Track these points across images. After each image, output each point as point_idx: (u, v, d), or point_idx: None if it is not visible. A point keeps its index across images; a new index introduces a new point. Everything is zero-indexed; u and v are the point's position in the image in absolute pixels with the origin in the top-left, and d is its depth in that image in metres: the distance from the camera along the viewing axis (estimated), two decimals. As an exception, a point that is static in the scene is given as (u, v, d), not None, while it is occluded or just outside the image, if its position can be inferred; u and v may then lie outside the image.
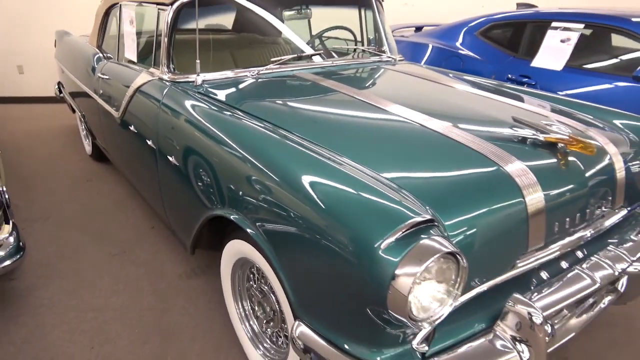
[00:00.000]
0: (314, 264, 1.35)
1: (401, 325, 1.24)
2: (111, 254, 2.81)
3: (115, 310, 2.33)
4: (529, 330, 1.34)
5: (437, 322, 1.25)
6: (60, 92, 4.67)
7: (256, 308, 1.92)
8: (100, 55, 3.31)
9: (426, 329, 1.28)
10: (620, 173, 1.78)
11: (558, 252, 1.56)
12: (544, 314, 1.39)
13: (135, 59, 2.75)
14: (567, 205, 1.56)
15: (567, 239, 1.60)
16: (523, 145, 1.64)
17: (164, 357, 2.04)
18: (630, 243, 1.78)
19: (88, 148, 4.26)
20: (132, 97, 2.54)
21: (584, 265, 1.60)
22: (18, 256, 2.26)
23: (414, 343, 1.29)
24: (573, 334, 1.70)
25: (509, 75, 3.69)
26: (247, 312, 1.98)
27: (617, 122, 2.12)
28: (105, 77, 3.00)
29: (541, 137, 1.62)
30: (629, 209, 1.89)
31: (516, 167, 1.50)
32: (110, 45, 3.30)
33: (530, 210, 1.45)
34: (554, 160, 1.60)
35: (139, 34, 2.79)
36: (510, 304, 1.38)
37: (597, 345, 2.19)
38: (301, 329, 1.41)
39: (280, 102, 2.10)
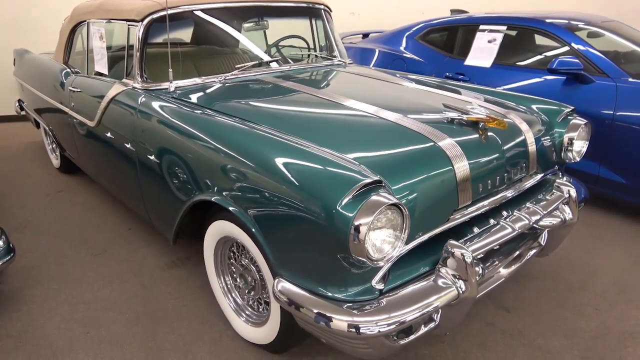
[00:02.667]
0: (289, 228, 1.66)
1: (362, 267, 1.56)
2: (93, 254, 2.99)
3: (104, 301, 2.53)
4: (463, 269, 1.69)
5: (390, 262, 1.58)
6: (22, 109, 4.75)
7: (238, 280, 2.19)
8: (68, 70, 3.49)
9: (383, 268, 1.61)
10: (532, 146, 2.19)
11: (485, 208, 1.94)
12: (475, 254, 1.76)
13: (106, 72, 2.97)
14: (488, 171, 1.94)
15: (492, 198, 1.98)
16: (452, 125, 2.02)
17: (156, 333, 2.27)
18: (544, 202, 2.18)
19: (55, 161, 4.37)
20: (107, 107, 2.77)
21: (506, 219, 1.98)
22: (8, 257, 2.42)
23: (373, 282, 1.62)
24: (503, 279, 2.10)
25: (447, 74, 4.14)
26: (229, 286, 2.26)
27: (533, 106, 2.55)
28: (76, 90, 3.19)
29: (465, 117, 2.00)
30: (542, 174, 2.31)
31: (446, 142, 1.87)
32: (78, 61, 3.49)
33: (458, 176, 1.81)
34: (476, 135, 1.98)
35: (108, 48, 3.02)
36: (447, 248, 1.73)
37: (530, 294, 2.60)
38: (282, 284, 1.71)
39: (247, 101, 2.39)
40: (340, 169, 1.61)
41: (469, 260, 1.69)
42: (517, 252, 2.31)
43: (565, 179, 2.56)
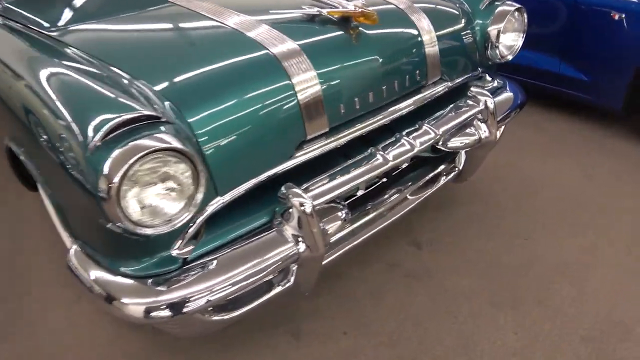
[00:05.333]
0: (59, 182, 1.23)
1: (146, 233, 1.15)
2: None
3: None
4: (303, 223, 1.29)
5: (181, 225, 1.15)
6: None
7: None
8: None
9: (187, 231, 1.21)
10: (432, 46, 1.66)
11: (356, 133, 1.48)
12: (320, 201, 1.33)
13: None
14: (355, 85, 1.45)
15: (369, 120, 1.51)
16: (310, 25, 1.48)
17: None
18: (445, 118, 1.70)
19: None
20: None
21: (383, 147, 1.52)
22: None
23: (174, 249, 1.22)
24: (404, 212, 1.74)
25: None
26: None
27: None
28: None
29: (325, 12, 1.46)
30: (454, 81, 1.80)
31: (285, 49, 1.35)
32: None
33: (302, 94, 1.32)
34: (339, 36, 1.46)
35: None
36: (283, 195, 1.30)
37: (452, 225, 2.21)
38: (70, 253, 1.32)
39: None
40: (105, 101, 1.13)
41: (308, 210, 1.27)
42: (427, 178, 1.90)
43: (495, 83, 2.06)
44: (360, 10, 1.44)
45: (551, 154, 2.78)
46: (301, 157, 1.37)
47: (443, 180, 1.95)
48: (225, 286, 1.22)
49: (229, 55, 1.34)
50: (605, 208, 2.31)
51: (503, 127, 2.07)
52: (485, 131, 1.77)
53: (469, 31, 1.86)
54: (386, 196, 1.78)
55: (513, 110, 2.02)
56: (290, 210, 1.30)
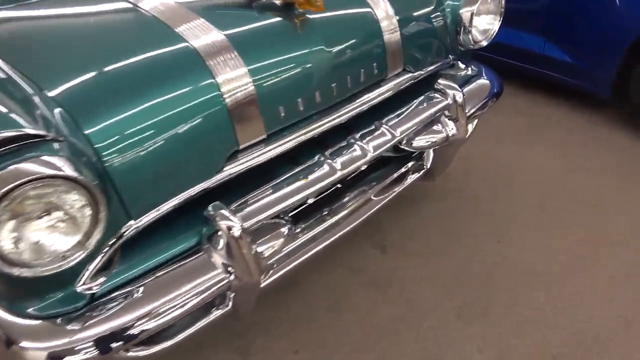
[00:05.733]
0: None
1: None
2: None
3: None
4: (232, 247, 1.12)
5: (76, 263, 0.98)
6: None
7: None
8: None
9: (89, 269, 1.04)
10: (393, 34, 1.46)
11: (301, 138, 1.28)
12: (251, 222, 1.15)
13: None
14: (296, 82, 1.24)
15: (317, 123, 1.32)
16: (242, 11, 1.27)
17: None
18: (405, 115, 1.51)
19: None
20: None
21: (329, 152, 1.34)
22: None
23: (77, 285, 1.05)
24: (372, 210, 1.58)
25: None
26: None
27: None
28: None
29: (262, -3, 1.25)
30: (419, 71, 1.60)
31: (210, 41, 1.14)
32: None
33: (230, 97, 1.12)
34: (278, 25, 1.26)
35: None
36: (209, 215, 1.13)
37: (422, 225, 2.05)
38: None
39: None
40: None
41: (237, 234, 1.10)
42: (392, 177, 1.73)
43: (469, 71, 1.86)
44: (305, -4, 1.23)
45: (531, 142, 2.61)
46: (234, 169, 1.18)
47: (410, 179, 1.78)
48: (137, 324, 1.05)
49: (141, 48, 1.12)
50: (588, 205, 2.16)
51: (476, 120, 1.89)
52: (452, 128, 1.60)
53: (438, 14, 1.65)
54: (346, 199, 1.61)
55: (488, 100, 1.84)
56: (218, 233, 1.13)
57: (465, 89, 1.73)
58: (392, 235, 1.99)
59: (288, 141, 1.26)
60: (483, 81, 1.88)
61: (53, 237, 0.94)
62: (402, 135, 1.44)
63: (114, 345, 1.04)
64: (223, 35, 1.16)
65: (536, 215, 2.09)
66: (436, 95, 1.58)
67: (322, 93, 1.30)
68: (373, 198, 1.66)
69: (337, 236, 1.52)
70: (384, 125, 1.43)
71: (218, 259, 1.14)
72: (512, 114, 2.85)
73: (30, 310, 1.03)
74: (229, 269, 1.13)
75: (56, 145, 0.92)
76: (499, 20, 1.77)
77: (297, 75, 1.24)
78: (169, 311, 1.09)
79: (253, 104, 1.17)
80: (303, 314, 1.69)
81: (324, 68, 1.29)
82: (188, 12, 1.21)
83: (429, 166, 1.79)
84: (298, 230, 1.40)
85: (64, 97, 1.01)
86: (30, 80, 1.02)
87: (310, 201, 1.50)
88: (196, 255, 1.15)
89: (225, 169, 1.17)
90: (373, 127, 1.44)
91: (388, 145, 1.40)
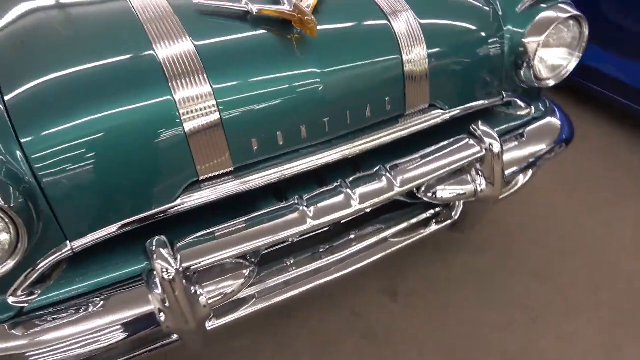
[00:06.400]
0: None
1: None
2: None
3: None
4: (167, 291, 1.01)
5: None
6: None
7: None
8: None
9: (18, 283, 1.00)
10: (417, 60, 1.21)
11: (269, 180, 1.11)
12: (206, 261, 1.03)
13: None
14: (276, 111, 1.07)
15: (294, 162, 1.13)
16: (228, 21, 1.11)
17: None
18: (433, 156, 1.27)
19: None
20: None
21: (309, 196, 1.14)
22: None
23: (7, 295, 1.02)
24: (382, 254, 1.38)
25: None
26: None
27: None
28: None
29: (254, 8, 1.08)
30: (445, 114, 1.33)
31: (177, 51, 1.01)
32: None
33: (189, 120, 0.99)
34: (265, 40, 1.09)
35: None
36: (149, 251, 1.03)
37: (443, 275, 1.78)
38: None
39: None
40: None
41: (169, 278, 0.99)
42: (412, 222, 1.50)
43: (530, 111, 1.54)
44: (297, 13, 1.05)
45: (610, 201, 2.11)
46: (190, 201, 1.07)
47: (433, 227, 1.53)
48: (55, 347, 1.00)
49: (104, 48, 1.03)
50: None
51: (533, 170, 1.57)
52: (482, 184, 1.32)
53: (493, 40, 1.36)
54: (352, 237, 1.43)
55: (553, 148, 1.51)
56: (154, 272, 1.02)
57: (525, 131, 1.46)
58: (407, 282, 1.76)
59: (261, 178, 1.11)
60: (548, 125, 1.55)
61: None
62: (404, 187, 1.20)
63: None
64: (193, 46, 1.03)
65: (588, 303, 1.69)
66: (469, 140, 1.31)
67: (309, 127, 1.12)
68: (388, 240, 1.45)
69: (331, 278, 1.35)
70: (387, 174, 1.20)
71: (153, 297, 1.04)
72: (595, 154, 2.36)
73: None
74: (161, 312, 1.03)
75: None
76: (578, 57, 1.42)
77: (279, 103, 1.07)
78: (96, 339, 1.03)
79: (217, 130, 1.03)
80: (284, 352, 1.56)
81: (315, 98, 1.10)
82: (170, 13, 1.08)
83: (456, 217, 1.52)
84: (267, 273, 1.26)
85: (7, 98, 0.95)
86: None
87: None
88: (136, 286, 1.07)
89: (181, 199, 1.06)
90: (375, 170, 1.22)
91: (383, 197, 1.17)
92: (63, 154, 0.94)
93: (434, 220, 1.53)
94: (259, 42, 1.10)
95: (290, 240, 1.24)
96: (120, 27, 1.08)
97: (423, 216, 1.52)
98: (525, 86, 1.46)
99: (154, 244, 1.01)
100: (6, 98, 0.95)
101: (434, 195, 1.34)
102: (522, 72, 1.41)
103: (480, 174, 1.32)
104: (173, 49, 1.02)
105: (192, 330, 1.07)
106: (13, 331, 1.01)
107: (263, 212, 1.11)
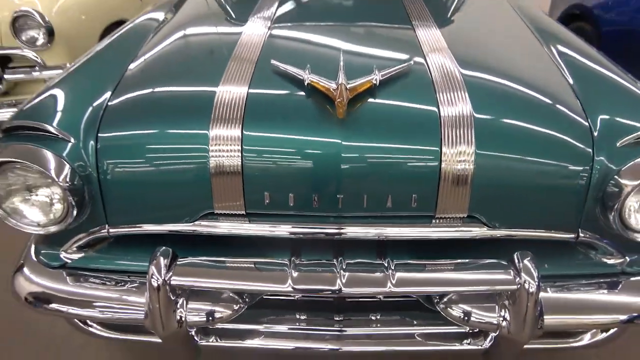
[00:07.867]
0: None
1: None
2: None
3: None
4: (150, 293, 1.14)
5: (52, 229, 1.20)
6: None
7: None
8: None
9: (73, 239, 1.27)
10: (460, 161, 1.11)
11: (279, 234, 1.19)
12: (181, 281, 1.13)
13: None
14: (296, 173, 1.15)
15: (303, 226, 1.18)
16: (288, 84, 1.23)
17: None
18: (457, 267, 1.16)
19: None
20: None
21: (298, 261, 1.16)
22: None
23: (62, 250, 1.30)
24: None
25: None
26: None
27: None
28: None
29: (307, 79, 1.17)
30: (485, 226, 1.18)
31: (230, 89, 1.20)
32: None
33: (215, 157, 1.13)
34: (309, 106, 1.19)
35: None
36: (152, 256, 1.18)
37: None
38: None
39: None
40: None
41: (155, 284, 1.13)
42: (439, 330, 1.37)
43: (609, 260, 1.28)
44: (339, 95, 1.10)
45: None
46: (204, 228, 1.21)
47: (465, 346, 1.36)
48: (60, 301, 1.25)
49: (185, 72, 1.35)
50: None
51: (607, 333, 1.28)
52: (505, 322, 1.14)
53: (577, 165, 1.16)
54: (372, 317, 1.39)
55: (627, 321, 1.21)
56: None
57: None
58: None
59: (271, 230, 1.19)
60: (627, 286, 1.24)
61: (31, 209, 1.20)
62: (412, 289, 1.13)
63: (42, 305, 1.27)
64: (246, 93, 1.18)
65: None
66: (507, 268, 1.14)
67: (322, 198, 1.15)
68: (415, 337, 1.36)
69: (340, 348, 1.33)
70: (390, 269, 1.14)
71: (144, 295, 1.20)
72: None
73: (42, 252, 1.33)
74: (146, 310, 1.18)
75: (60, 144, 1.16)
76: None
77: (297, 166, 1.15)
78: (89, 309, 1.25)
79: (236, 174, 1.14)
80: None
81: (332, 171, 1.13)
82: (252, 60, 1.31)
83: (487, 347, 1.32)
84: (277, 318, 1.31)
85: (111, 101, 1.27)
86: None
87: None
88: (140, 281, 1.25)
89: (197, 223, 1.21)
90: (385, 264, 1.16)
91: (375, 291, 1.12)
92: (124, 157, 1.19)
93: (465, 340, 1.37)
94: (300, 106, 1.20)
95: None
96: (211, 62, 1.36)
97: (455, 330, 1.38)
98: (614, 232, 1.21)
99: (159, 251, 1.18)
100: (111, 100, 1.26)
101: (452, 313, 1.21)
102: (610, 216, 1.17)
103: (509, 309, 1.15)
104: (228, 87, 1.22)
105: (166, 336, 1.20)
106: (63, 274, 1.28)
107: (259, 260, 1.18)
